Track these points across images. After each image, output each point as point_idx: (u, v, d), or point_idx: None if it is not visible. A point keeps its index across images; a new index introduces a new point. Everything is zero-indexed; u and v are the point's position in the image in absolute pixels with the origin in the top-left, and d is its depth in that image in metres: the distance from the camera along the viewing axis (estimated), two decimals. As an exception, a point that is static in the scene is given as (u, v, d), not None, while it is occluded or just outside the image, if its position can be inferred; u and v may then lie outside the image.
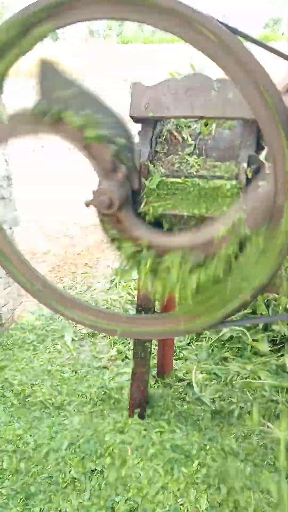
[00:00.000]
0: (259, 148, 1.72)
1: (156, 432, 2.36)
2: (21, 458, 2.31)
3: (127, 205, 1.75)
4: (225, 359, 3.09)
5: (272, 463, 2.24)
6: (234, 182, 1.68)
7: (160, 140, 1.91)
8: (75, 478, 2.18)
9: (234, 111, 1.70)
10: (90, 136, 1.62)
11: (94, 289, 4.31)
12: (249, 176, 1.65)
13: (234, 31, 1.35)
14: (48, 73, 1.64)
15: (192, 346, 3.27)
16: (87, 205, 1.71)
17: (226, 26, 1.35)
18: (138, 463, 2.18)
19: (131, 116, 1.89)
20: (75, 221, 6.09)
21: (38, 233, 5.71)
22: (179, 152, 1.87)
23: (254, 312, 3.18)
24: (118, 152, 1.64)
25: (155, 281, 1.76)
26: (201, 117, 1.80)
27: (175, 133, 1.88)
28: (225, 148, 1.81)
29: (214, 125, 1.86)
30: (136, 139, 1.92)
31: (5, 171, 3.44)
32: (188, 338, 3.28)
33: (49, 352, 3.43)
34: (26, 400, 2.88)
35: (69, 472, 2.20)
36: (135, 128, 1.89)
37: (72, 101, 1.62)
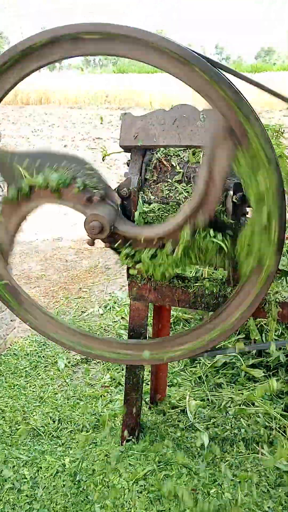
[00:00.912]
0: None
1: (148, 460, 2.32)
2: (9, 488, 2.26)
3: (119, 219, 1.78)
4: (219, 385, 3.07)
5: (266, 491, 2.20)
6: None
7: (150, 168, 1.96)
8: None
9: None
10: (54, 187, 1.74)
11: (88, 314, 4.30)
12: (236, 202, 1.69)
13: (216, 65, 1.42)
14: (2, 160, 1.78)
15: (186, 372, 3.25)
16: (90, 243, 1.78)
17: (208, 59, 1.41)
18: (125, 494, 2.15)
19: (121, 146, 1.94)
20: (69, 245, 6.13)
21: (33, 256, 5.74)
22: (168, 180, 1.92)
23: (247, 338, 3.18)
24: (84, 183, 1.73)
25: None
26: (188, 147, 1.85)
27: (164, 161, 1.93)
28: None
29: (202, 154, 1.91)
30: (128, 168, 1.98)
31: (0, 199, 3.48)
32: (182, 364, 3.26)
33: (42, 378, 3.40)
34: (18, 427, 2.84)
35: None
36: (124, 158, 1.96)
37: (30, 169, 1.76)
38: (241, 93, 1.41)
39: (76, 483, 2.27)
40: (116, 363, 2.45)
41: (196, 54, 1.39)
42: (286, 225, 1.54)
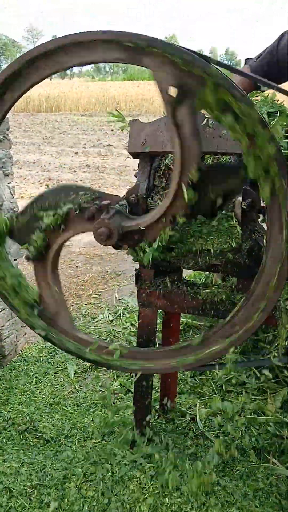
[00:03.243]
0: (253, 182, 1.75)
1: (155, 468, 2.30)
2: (10, 496, 2.25)
3: (126, 219, 1.78)
4: (230, 392, 3.04)
5: (277, 502, 2.16)
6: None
7: (158, 174, 1.96)
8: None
9: (228, 147, 1.74)
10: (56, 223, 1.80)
11: (98, 321, 4.30)
12: (245, 209, 1.67)
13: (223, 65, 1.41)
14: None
15: (196, 380, 3.22)
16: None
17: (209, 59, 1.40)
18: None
19: (129, 152, 1.94)
20: (79, 251, 6.15)
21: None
22: (177, 186, 1.91)
23: (256, 346, 3.15)
24: (77, 206, 1.76)
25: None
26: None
27: (173, 168, 1.93)
28: (220, 182, 1.84)
29: (210, 160, 1.90)
30: (136, 173, 1.98)
31: (10, 204, 3.51)
32: (191, 371, 3.24)
33: (52, 384, 3.40)
34: (27, 433, 2.84)
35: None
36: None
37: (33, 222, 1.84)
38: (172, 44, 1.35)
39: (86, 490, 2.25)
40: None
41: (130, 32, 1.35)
42: None
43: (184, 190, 1.57)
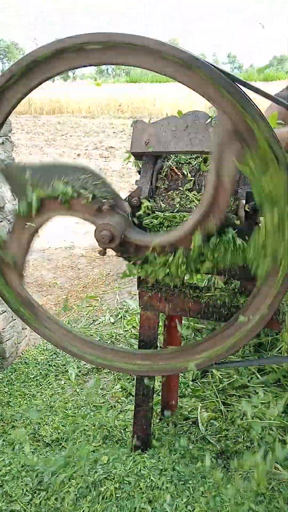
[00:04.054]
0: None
1: (157, 473, 2.27)
2: (10, 500, 2.23)
3: (129, 228, 1.76)
4: (231, 396, 3.01)
5: (279, 506, 2.14)
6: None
7: (161, 176, 1.94)
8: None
9: None
10: (63, 199, 1.71)
11: (99, 323, 4.28)
12: (249, 212, 1.66)
13: (226, 75, 1.40)
14: (12, 175, 1.78)
15: (198, 383, 3.20)
16: (102, 253, 1.77)
17: (219, 69, 1.39)
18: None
19: (132, 153, 1.93)
20: (81, 253, 6.13)
21: (45, 265, 5.75)
22: (179, 188, 1.90)
23: (257, 351, 3.13)
24: (93, 194, 1.70)
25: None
26: (200, 153, 1.83)
27: (175, 169, 1.92)
28: (224, 184, 1.83)
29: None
30: (139, 176, 1.97)
31: (12, 206, 3.50)
32: (193, 374, 3.22)
33: (52, 387, 3.39)
34: (28, 437, 2.82)
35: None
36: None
37: (37, 182, 1.75)
38: (245, 94, 1.39)
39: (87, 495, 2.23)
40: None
41: (195, 56, 1.37)
42: None
43: (196, 237, 1.59)
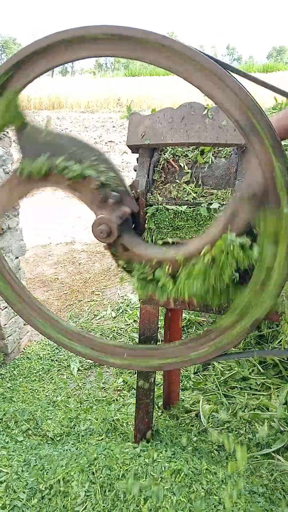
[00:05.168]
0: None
1: (160, 466, 2.28)
2: (13, 495, 2.24)
3: (128, 230, 1.74)
4: (233, 388, 3.02)
5: (281, 497, 2.14)
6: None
7: (158, 169, 1.93)
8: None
9: (228, 138, 1.71)
10: (73, 175, 1.65)
11: (101, 318, 4.29)
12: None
13: (224, 66, 1.38)
14: (24, 131, 1.72)
15: (199, 375, 3.20)
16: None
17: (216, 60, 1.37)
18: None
19: (128, 145, 1.91)
20: (82, 248, 6.13)
21: (46, 260, 5.75)
22: (176, 180, 1.88)
23: (258, 343, 3.13)
24: (103, 181, 1.65)
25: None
26: (196, 144, 1.81)
27: (172, 162, 1.90)
28: (221, 176, 1.82)
29: (210, 154, 1.87)
30: (135, 169, 1.95)
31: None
32: (194, 367, 3.22)
33: (55, 382, 3.40)
34: (30, 431, 2.83)
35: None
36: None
37: (49, 148, 1.68)
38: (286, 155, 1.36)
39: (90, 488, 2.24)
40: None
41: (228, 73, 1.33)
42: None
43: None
